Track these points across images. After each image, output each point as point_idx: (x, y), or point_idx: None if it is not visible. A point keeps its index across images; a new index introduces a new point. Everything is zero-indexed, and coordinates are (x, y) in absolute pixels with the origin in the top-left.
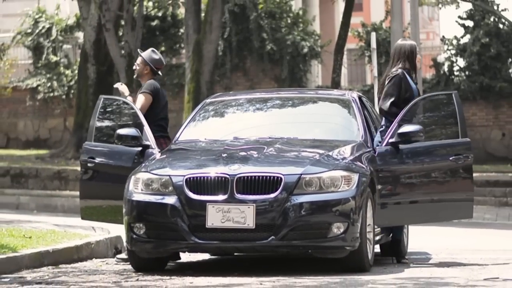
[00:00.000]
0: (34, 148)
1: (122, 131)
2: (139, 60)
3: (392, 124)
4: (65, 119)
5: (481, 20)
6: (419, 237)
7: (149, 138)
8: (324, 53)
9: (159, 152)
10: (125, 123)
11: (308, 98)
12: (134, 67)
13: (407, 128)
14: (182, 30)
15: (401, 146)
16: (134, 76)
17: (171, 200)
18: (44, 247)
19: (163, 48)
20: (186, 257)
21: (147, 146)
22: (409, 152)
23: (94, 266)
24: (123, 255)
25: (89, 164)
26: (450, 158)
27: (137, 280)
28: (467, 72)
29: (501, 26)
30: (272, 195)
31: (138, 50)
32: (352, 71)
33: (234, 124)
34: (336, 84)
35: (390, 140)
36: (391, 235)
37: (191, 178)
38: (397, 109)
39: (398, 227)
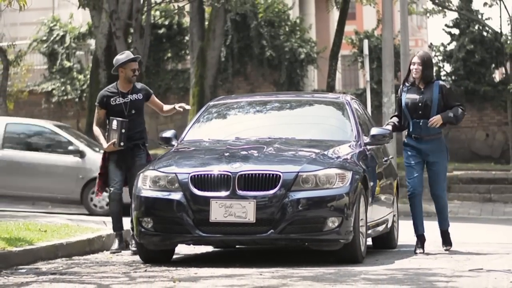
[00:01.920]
0: None
1: (162, 133)
2: (137, 65)
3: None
4: (78, 120)
5: (466, 28)
6: (409, 231)
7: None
8: (319, 59)
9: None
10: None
11: (304, 101)
12: (137, 73)
13: (377, 131)
14: (187, 38)
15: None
16: (132, 82)
17: (177, 196)
18: (58, 240)
19: (169, 54)
20: (191, 249)
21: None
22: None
23: (105, 258)
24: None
25: None
26: (385, 159)
27: (145, 271)
28: (453, 77)
29: (485, 34)
30: (271, 192)
31: (132, 55)
32: (346, 76)
33: (235, 125)
34: (331, 88)
35: (365, 141)
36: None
37: (196, 176)
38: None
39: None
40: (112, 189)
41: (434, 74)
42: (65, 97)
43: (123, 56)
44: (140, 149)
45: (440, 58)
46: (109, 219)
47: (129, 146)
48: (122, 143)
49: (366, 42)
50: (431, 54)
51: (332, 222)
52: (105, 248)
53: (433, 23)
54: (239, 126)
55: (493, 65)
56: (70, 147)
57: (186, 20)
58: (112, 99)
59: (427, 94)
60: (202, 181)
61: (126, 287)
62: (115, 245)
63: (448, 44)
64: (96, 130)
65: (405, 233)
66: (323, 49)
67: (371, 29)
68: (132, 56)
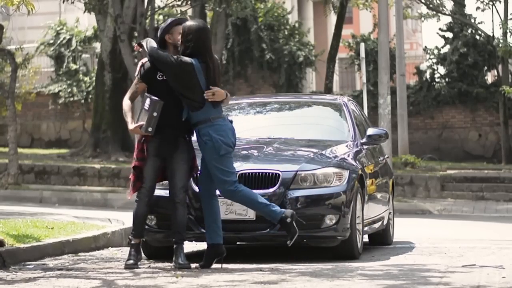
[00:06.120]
0: (56, 147)
1: None
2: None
3: None
4: (84, 121)
5: (460, 32)
6: (404, 228)
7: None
8: (317, 61)
9: None
10: None
11: (303, 102)
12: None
13: (373, 131)
14: None
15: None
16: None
17: None
18: (64, 237)
19: None
20: (193, 246)
21: None
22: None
23: (110, 254)
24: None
25: None
26: (380, 158)
27: (149, 266)
28: (447, 79)
29: (477, 37)
30: (271, 190)
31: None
32: (343, 78)
33: (236, 126)
34: (328, 90)
35: (361, 141)
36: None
37: (198, 174)
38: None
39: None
40: (143, 186)
41: (429, 76)
42: (72, 99)
43: (166, 22)
44: (185, 141)
45: (434, 61)
46: (113, 216)
47: (174, 134)
48: (150, 129)
49: (362, 45)
50: (426, 57)
51: (330, 220)
52: (110, 245)
53: (427, 27)
54: (239, 126)
55: (486, 68)
56: None
57: None
58: (159, 74)
59: None
60: None
61: (130, 282)
62: (132, 258)
63: (442, 47)
64: (127, 104)
65: (401, 230)
66: (321, 52)
67: (367, 33)
68: (175, 19)
